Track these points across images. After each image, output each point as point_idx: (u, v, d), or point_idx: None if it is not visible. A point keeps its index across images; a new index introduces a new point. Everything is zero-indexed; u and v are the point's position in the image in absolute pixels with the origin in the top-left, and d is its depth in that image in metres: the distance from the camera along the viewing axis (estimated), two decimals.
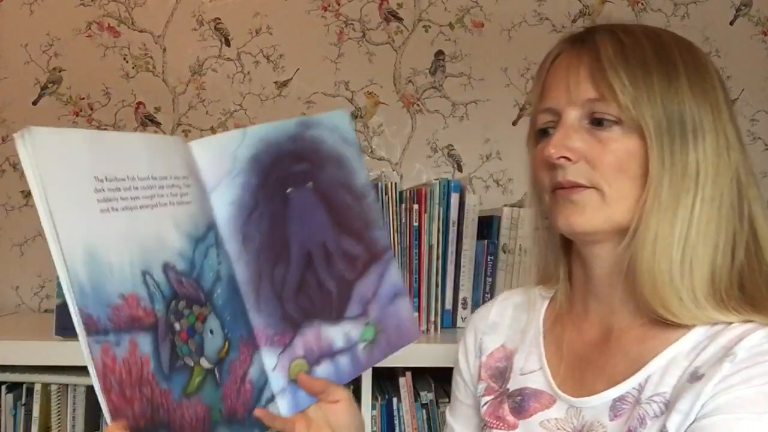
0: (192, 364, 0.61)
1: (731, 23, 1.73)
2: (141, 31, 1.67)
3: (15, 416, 1.22)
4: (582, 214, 0.65)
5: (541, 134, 0.71)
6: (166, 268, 0.60)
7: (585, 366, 0.70)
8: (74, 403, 1.23)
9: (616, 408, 0.65)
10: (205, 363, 0.62)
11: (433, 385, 1.31)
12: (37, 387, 1.21)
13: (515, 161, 1.70)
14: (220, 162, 0.67)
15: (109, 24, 1.66)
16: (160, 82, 1.67)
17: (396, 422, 1.26)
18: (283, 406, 0.70)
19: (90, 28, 1.66)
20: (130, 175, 0.59)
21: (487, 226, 1.38)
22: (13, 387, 1.23)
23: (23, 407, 1.21)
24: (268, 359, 0.68)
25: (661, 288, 0.63)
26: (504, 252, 1.29)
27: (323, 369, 0.73)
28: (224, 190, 0.67)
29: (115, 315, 0.55)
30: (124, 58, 1.67)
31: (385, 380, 1.33)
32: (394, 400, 1.26)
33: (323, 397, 0.72)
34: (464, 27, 1.70)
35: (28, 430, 1.20)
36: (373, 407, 1.25)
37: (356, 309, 0.75)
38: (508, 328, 0.80)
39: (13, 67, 1.65)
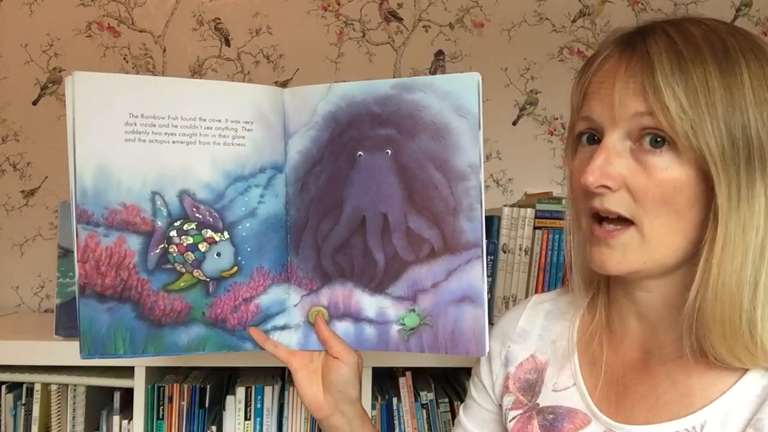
0: (183, 270, 0.72)
1: (731, 23, 1.73)
2: (141, 31, 1.67)
3: (15, 416, 1.21)
4: (621, 259, 0.60)
5: (579, 141, 0.64)
6: (183, 194, 0.71)
7: (623, 389, 0.65)
8: (74, 403, 1.23)
9: None
10: (198, 274, 0.72)
11: (433, 385, 1.31)
12: (37, 387, 1.20)
13: (515, 161, 1.70)
14: (301, 113, 0.73)
15: (109, 24, 1.66)
16: None
17: (396, 422, 1.26)
18: (293, 339, 0.76)
19: (90, 28, 1.66)
20: (173, 114, 0.69)
21: (487, 226, 1.37)
22: (13, 387, 1.23)
23: (23, 407, 1.21)
24: (294, 296, 0.76)
25: (731, 338, 0.57)
26: (504, 252, 1.29)
27: (342, 326, 0.75)
28: (298, 139, 0.73)
29: (111, 215, 0.69)
30: (124, 58, 1.67)
31: (385, 380, 1.33)
32: (394, 400, 1.26)
33: (327, 347, 0.74)
34: (464, 27, 1.70)
35: (28, 430, 1.20)
36: (373, 407, 1.25)
37: (402, 291, 0.72)
38: (538, 337, 0.75)
39: (13, 67, 1.65)
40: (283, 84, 1.68)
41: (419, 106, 0.70)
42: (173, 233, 0.71)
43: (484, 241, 0.69)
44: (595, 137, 0.62)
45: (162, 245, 0.71)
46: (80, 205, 0.68)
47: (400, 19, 1.70)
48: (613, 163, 0.58)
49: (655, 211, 0.58)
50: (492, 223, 1.36)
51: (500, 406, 0.76)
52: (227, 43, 1.68)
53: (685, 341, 0.61)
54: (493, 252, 1.32)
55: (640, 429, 0.62)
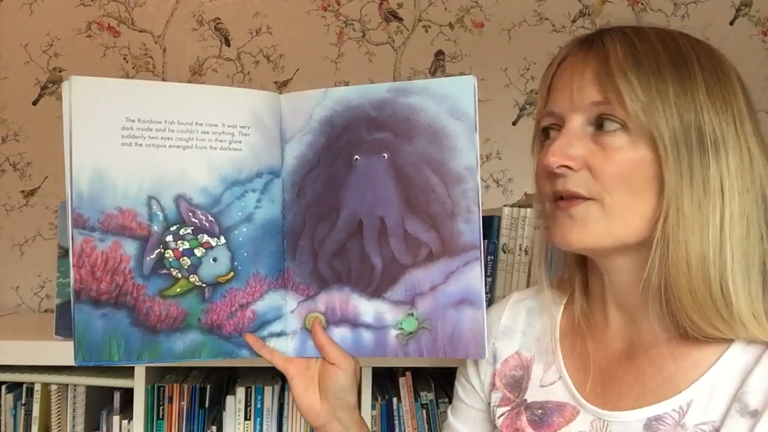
0: (179, 276, 0.71)
1: (731, 23, 1.74)
2: (141, 31, 1.67)
3: (15, 416, 1.22)
4: (582, 230, 0.62)
5: (544, 137, 0.67)
6: (179, 198, 0.70)
7: (609, 381, 0.67)
8: (74, 403, 1.23)
9: (651, 427, 0.62)
10: (195, 279, 0.71)
11: (433, 385, 1.31)
12: (37, 387, 1.21)
13: (515, 161, 1.70)
14: (297, 118, 0.73)
15: (109, 24, 1.66)
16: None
17: (396, 422, 1.26)
18: (290, 346, 0.75)
19: (90, 28, 1.66)
20: (169, 119, 0.69)
21: (487, 226, 1.38)
22: (13, 387, 1.23)
23: (23, 407, 1.21)
24: (290, 302, 0.74)
25: (705, 307, 0.59)
26: (504, 252, 1.29)
27: (340, 332, 0.74)
28: (294, 144, 0.73)
29: (106, 220, 0.68)
30: (124, 58, 1.67)
31: (385, 380, 1.33)
32: (394, 400, 1.26)
33: (324, 354, 0.74)
34: (464, 27, 1.71)
35: (28, 430, 1.20)
36: (373, 407, 1.25)
37: (400, 295, 0.72)
38: (522, 334, 0.76)
39: (13, 67, 1.65)
40: (283, 84, 1.69)
41: (415, 109, 0.70)
42: (169, 238, 0.70)
43: (482, 242, 0.69)
44: (557, 129, 0.66)
45: (158, 250, 0.70)
46: (76, 209, 0.67)
47: (400, 19, 1.70)
48: (574, 145, 0.62)
49: (615, 188, 0.60)
50: (492, 223, 1.36)
51: (489, 403, 0.77)
52: (227, 43, 1.68)
53: (664, 322, 0.64)
54: (493, 252, 1.32)
55: (627, 413, 0.63)
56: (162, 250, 0.70)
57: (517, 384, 0.74)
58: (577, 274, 0.73)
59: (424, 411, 1.26)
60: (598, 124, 0.62)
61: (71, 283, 0.68)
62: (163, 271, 0.70)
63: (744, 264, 0.60)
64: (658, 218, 0.60)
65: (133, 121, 0.68)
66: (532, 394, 0.72)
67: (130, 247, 0.69)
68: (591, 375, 0.68)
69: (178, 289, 0.71)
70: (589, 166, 0.61)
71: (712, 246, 0.59)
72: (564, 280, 0.75)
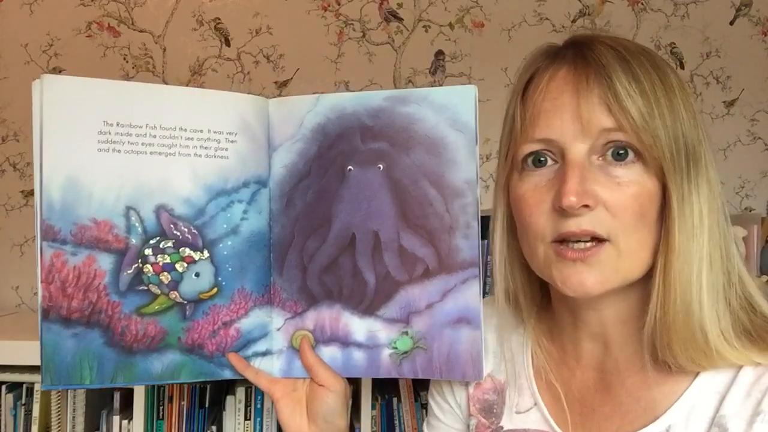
0: (158, 292, 0.66)
1: (731, 23, 1.74)
2: (141, 31, 1.67)
3: (15, 416, 1.22)
4: (600, 278, 0.57)
5: (523, 165, 0.61)
6: (160, 209, 0.65)
7: (587, 411, 0.64)
8: (74, 403, 1.23)
9: None
10: (175, 296, 0.67)
11: None
12: (37, 387, 1.21)
13: None
14: (287, 124, 0.69)
15: (109, 24, 1.66)
16: (160, 82, 1.67)
17: (396, 422, 1.26)
18: (275, 366, 0.71)
19: (90, 28, 1.66)
20: (151, 123, 0.65)
21: (487, 227, 1.37)
22: (13, 387, 1.23)
23: (23, 407, 1.21)
24: (276, 319, 0.70)
25: (691, 346, 0.57)
26: None
27: (329, 351, 0.70)
28: (283, 152, 0.69)
29: (79, 232, 0.63)
30: (124, 58, 1.67)
31: (385, 380, 1.33)
32: (394, 400, 1.26)
33: (312, 374, 0.69)
34: (464, 27, 1.71)
35: (28, 430, 1.20)
36: (373, 407, 1.25)
37: (394, 312, 0.68)
38: (493, 355, 0.72)
39: (13, 67, 1.65)
40: (283, 84, 1.69)
41: (414, 119, 0.66)
42: (148, 252, 0.65)
43: (481, 259, 0.67)
44: (541, 159, 0.60)
45: (136, 265, 0.65)
46: (46, 220, 0.62)
47: (400, 19, 1.70)
48: (588, 180, 0.56)
49: (632, 227, 0.56)
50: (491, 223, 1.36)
51: (468, 426, 0.74)
52: (227, 43, 1.68)
53: (644, 354, 0.61)
54: (491, 252, 1.32)
55: None
56: (140, 265, 0.65)
57: (491, 408, 0.71)
58: (528, 295, 0.69)
59: (424, 411, 1.26)
60: (603, 151, 0.57)
61: (39, 301, 0.62)
62: (141, 288, 0.65)
63: (714, 297, 0.57)
64: (658, 252, 0.57)
65: (111, 125, 0.64)
66: (508, 421, 0.69)
67: (105, 262, 0.64)
68: (567, 405, 0.65)
69: (157, 307, 0.66)
70: (606, 203, 0.56)
71: (695, 280, 0.56)
72: (517, 298, 0.70)
